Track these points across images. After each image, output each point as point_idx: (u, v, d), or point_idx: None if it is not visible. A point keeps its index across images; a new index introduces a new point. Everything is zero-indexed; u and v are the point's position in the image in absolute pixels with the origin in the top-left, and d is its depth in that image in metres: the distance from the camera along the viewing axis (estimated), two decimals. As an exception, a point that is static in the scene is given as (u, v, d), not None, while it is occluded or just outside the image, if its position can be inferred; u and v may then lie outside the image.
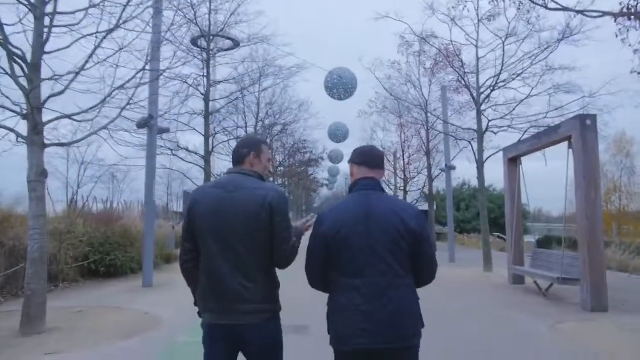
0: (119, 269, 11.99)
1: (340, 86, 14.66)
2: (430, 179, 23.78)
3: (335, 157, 34.94)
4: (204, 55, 15.31)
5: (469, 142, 15.17)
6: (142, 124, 10.42)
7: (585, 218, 8.47)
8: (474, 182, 40.66)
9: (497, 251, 27.35)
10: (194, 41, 17.91)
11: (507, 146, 12.53)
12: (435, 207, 28.92)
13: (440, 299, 9.52)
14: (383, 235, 2.32)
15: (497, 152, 14.23)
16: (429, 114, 23.04)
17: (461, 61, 15.96)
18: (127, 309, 8.05)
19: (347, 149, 35.73)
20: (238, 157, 2.58)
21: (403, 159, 27.81)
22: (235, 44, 18.66)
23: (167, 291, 10.22)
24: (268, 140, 25.07)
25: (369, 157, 2.55)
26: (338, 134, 24.38)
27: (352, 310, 2.30)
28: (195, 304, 2.56)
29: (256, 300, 2.39)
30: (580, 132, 8.61)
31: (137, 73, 7.22)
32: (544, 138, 10.33)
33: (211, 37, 18.87)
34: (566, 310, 8.42)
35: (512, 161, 12.20)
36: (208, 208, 2.43)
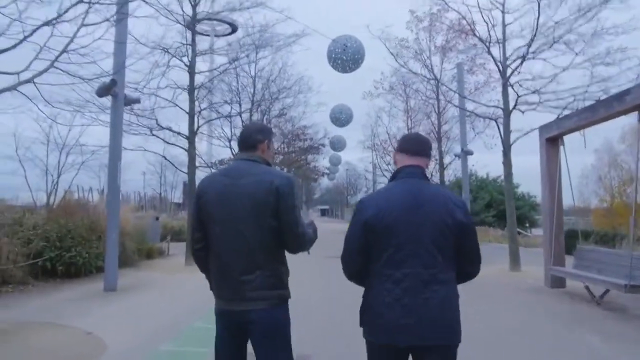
0: (81, 268, 10.03)
1: (345, 55, 12.60)
2: (442, 166, 21.77)
3: (337, 145, 32.81)
4: (188, 19, 13.18)
5: (495, 120, 13.10)
6: (103, 91, 8.41)
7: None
8: (482, 172, 38.87)
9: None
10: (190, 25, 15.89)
11: (545, 124, 10.51)
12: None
13: (467, 310, 7.55)
14: (430, 226, 2.20)
15: (529, 132, 12.20)
16: (441, 95, 21.09)
17: (477, 35, 13.87)
18: (66, 328, 6.05)
19: (350, 135, 33.69)
20: (252, 143, 2.53)
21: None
22: (234, 28, 16.67)
23: (133, 298, 8.26)
24: (268, 124, 23.03)
25: (410, 144, 2.46)
26: (341, 117, 22.33)
27: (393, 304, 2.19)
28: (211, 288, 2.56)
29: (264, 286, 2.38)
30: (663, 97, 6.61)
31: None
32: (601, 110, 8.31)
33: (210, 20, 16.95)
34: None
35: (552, 142, 10.19)
36: (215, 197, 2.43)
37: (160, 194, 40.04)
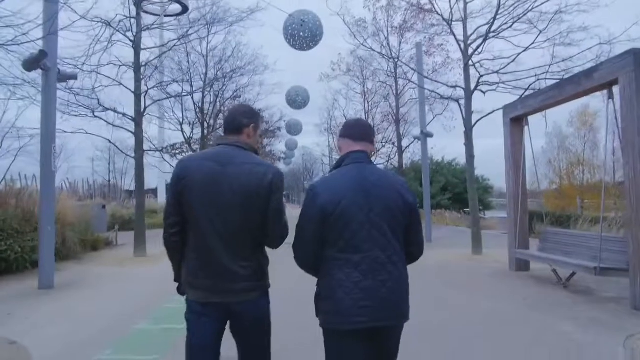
0: (13, 263, 9.02)
1: (303, 32, 11.89)
2: (401, 150, 21.52)
3: (293, 129, 32.05)
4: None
5: (457, 101, 12.78)
6: (31, 64, 7.41)
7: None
8: (437, 156, 39.16)
9: (467, 228, 25.76)
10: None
11: (509, 104, 10.25)
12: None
13: (430, 296, 7.19)
14: (384, 209, 2.24)
15: (490, 112, 11.96)
16: (399, 77, 20.75)
17: (438, 12, 13.48)
18: (-13, 336, 5.24)
19: (307, 118, 33.02)
20: (237, 126, 2.43)
21: (367, 130, 25.40)
22: (185, 9, 15.55)
23: (71, 296, 7.42)
24: (220, 107, 22.02)
25: (355, 130, 2.47)
26: (298, 99, 21.60)
27: (351, 288, 2.19)
28: (176, 279, 2.47)
29: (249, 278, 2.33)
30: (636, 73, 6.34)
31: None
32: (568, 88, 8.05)
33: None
34: (619, 313, 6.24)
35: (516, 122, 9.95)
36: (200, 182, 2.28)
37: (110, 181, 38.10)
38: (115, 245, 14.91)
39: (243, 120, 2.44)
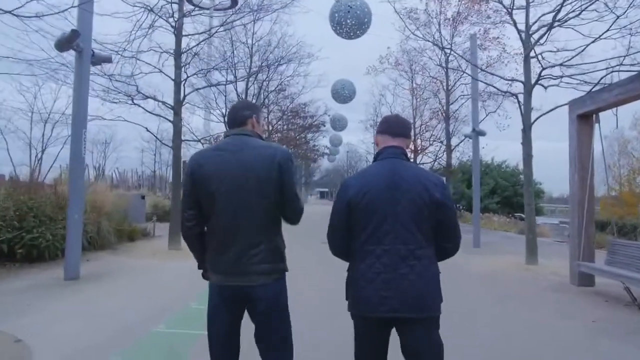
0: (44, 251, 8.79)
1: (350, 19, 11.18)
2: (449, 148, 20.45)
3: (338, 124, 31.35)
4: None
5: (515, 96, 11.73)
6: (63, 44, 7.07)
7: None
8: (486, 157, 37.51)
9: (517, 234, 24.29)
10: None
11: (576, 98, 9.18)
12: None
13: (481, 308, 6.34)
14: (408, 204, 2.30)
15: (553, 109, 10.83)
16: (450, 72, 19.71)
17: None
18: (-7, 331, 4.85)
19: (351, 113, 32.30)
20: (240, 119, 2.55)
21: (414, 128, 24.39)
22: (234, 2, 15.13)
23: (94, 289, 7.04)
24: (264, 100, 21.62)
25: (391, 126, 2.54)
26: (344, 93, 20.88)
27: (373, 278, 2.29)
28: (200, 266, 2.58)
29: (267, 260, 2.40)
30: None
31: None
32: (654, 80, 6.99)
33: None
34: None
35: (584, 119, 8.89)
36: (213, 171, 2.39)
37: (155, 171, 38.64)
38: (152, 236, 14.72)
39: (245, 112, 2.56)
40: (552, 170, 10.30)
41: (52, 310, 5.75)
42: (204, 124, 23.88)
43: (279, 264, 2.45)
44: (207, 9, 21.79)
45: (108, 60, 8.36)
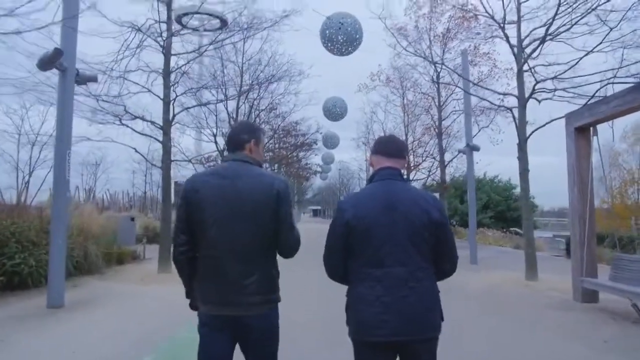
0: (27, 278, 8.40)
1: (341, 35, 11.06)
2: (443, 164, 20.31)
3: (330, 142, 31.20)
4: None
5: (510, 110, 11.61)
6: (46, 63, 6.82)
7: None
8: (479, 172, 37.46)
9: (512, 248, 24.06)
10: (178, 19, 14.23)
11: (573, 111, 9.05)
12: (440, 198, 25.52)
13: (481, 327, 6.06)
14: (406, 226, 2.28)
15: (549, 122, 10.72)
16: (442, 89, 19.69)
17: (489, 13, 12.38)
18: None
19: (343, 131, 32.15)
20: (237, 143, 2.51)
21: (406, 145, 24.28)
22: (224, 23, 15.03)
23: (78, 319, 6.66)
24: (255, 119, 21.43)
25: (386, 146, 2.51)
26: (335, 110, 20.76)
27: (373, 301, 2.25)
28: (188, 295, 2.52)
29: (260, 291, 2.34)
30: None
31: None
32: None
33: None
34: None
35: (581, 132, 8.75)
36: (210, 197, 2.34)
37: (145, 192, 38.14)
38: (143, 259, 14.31)
39: (243, 137, 2.50)
40: (542, 184, 10.24)
41: (30, 345, 5.38)
42: (195, 144, 23.64)
43: (271, 295, 2.40)
44: (197, 29, 21.78)
45: (93, 79, 8.12)
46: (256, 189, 2.34)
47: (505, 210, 37.69)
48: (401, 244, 2.26)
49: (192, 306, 2.50)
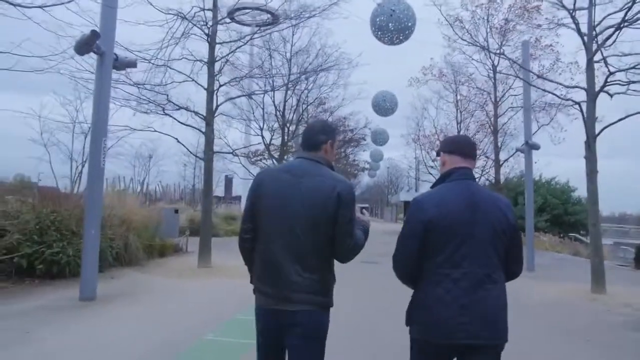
0: (65, 267, 8.27)
1: (392, 23, 10.36)
2: (498, 164, 19.17)
3: (379, 139, 30.38)
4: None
5: (578, 104, 10.53)
6: (82, 46, 6.57)
7: None
8: (535, 174, 35.65)
9: (571, 255, 22.51)
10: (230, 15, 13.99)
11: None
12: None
13: (544, 349, 5.24)
14: (487, 227, 2.27)
15: (624, 117, 9.63)
16: (499, 84, 18.59)
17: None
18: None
19: (393, 129, 31.26)
20: (315, 143, 2.49)
21: (459, 142, 23.12)
22: (275, 17, 14.69)
23: (107, 315, 6.36)
24: (303, 113, 21.05)
25: (461, 146, 2.50)
26: (385, 105, 20.00)
27: (450, 303, 2.21)
28: (252, 281, 2.52)
29: (311, 290, 2.33)
30: None
31: None
32: None
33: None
34: None
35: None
36: (274, 192, 2.39)
37: (194, 185, 38.70)
38: (185, 252, 14.18)
39: (321, 137, 2.48)
40: (601, 188, 9.26)
41: (53, 340, 5.09)
42: (245, 138, 23.51)
43: (323, 296, 2.37)
44: (249, 25, 21.61)
45: (132, 65, 7.84)
46: (318, 189, 2.32)
47: (563, 214, 35.76)
48: (481, 245, 2.25)
49: (255, 291, 2.52)
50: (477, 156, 2.33)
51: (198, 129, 12.21)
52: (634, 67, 9.72)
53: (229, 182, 39.88)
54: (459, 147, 2.48)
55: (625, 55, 10.41)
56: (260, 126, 19.09)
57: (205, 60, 11.44)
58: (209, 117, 11.34)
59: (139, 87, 10.37)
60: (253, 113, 19.06)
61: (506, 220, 2.29)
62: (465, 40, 13.29)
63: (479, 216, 2.26)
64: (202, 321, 6.02)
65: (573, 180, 37.73)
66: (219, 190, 40.99)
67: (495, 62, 17.64)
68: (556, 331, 6.75)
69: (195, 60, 11.37)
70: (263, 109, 18.75)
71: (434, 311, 2.24)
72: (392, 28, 10.59)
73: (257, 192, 2.43)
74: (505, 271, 2.36)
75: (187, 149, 11.89)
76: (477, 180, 2.48)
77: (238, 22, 16.73)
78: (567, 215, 35.58)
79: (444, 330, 2.20)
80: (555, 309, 8.34)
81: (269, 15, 22.87)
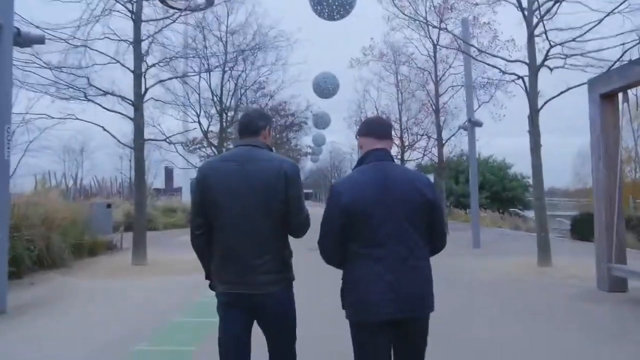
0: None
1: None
2: (440, 143, 19.20)
3: (321, 122, 29.92)
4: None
5: (522, 78, 10.46)
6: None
7: None
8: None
9: (512, 229, 23.18)
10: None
11: (598, 75, 7.98)
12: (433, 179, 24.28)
13: (498, 325, 4.97)
14: (403, 205, 2.33)
15: (565, 90, 9.65)
16: (439, 62, 18.55)
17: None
18: None
19: (335, 113, 30.88)
20: (255, 129, 2.56)
21: (400, 123, 23.06)
22: (210, 2, 13.66)
23: (19, 330, 5.49)
24: (241, 98, 20.22)
25: (375, 128, 2.56)
26: (326, 87, 19.52)
27: (376, 281, 2.27)
28: (207, 277, 2.59)
29: (272, 270, 2.41)
30: None
31: None
32: None
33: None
34: None
35: (608, 99, 7.67)
36: (221, 182, 2.42)
37: (130, 178, 36.80)
38: (120, 249, 13.17)
39: (260, 123, 2.57)
40: (527, 162, 9.42)
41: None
42: (182, 125, 22.34)
43: (284, 273, 2.47)
44: (180, 9, 20.34)
45: (39, 41, 6.82)
46: (265, 171, 2.39)
47: (501, 191, 37.08)
48: (400, 223, 2.28)
49: (212, 287, 2.56)
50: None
51: (126, 116, 11.20)
52: (573, 40, 9.73)
53: (169, 173, 38.21)
54: (373, 129, 2.52)
55: (562, 30, 10.48)
56: (197, 112, 18.10)
57: (131, 40, 10.45)
58: (137, 102, 10.39)
59: (52, 70, 9.26)
60: (189, 99, 18.02)
61: (422, 197, 2.33)
62: (406, 15, 12.96)
63: (392, 195, 2.30)
64: (133, 328, 5.32)
65: (509, 157, 39.15)
66: (158, 182, 39.24)
67: (436, 40, 17.48)
68: (510, 308, 6.58)
69: (119, 40, 10.38)
70: (199, 94, 17.74)
71: (361, 291, 2.29)
72: (332, 1, 10.04)
73: (203, 185, 2.44)
74: (428, 246, 2.41)
75: (115, 137, 10.84)
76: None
77: (170, 6, 15.68)
78: (505, 192, 36.90)
79: (373, 309, 2.25)
80: (507, 286, 8.23)
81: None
